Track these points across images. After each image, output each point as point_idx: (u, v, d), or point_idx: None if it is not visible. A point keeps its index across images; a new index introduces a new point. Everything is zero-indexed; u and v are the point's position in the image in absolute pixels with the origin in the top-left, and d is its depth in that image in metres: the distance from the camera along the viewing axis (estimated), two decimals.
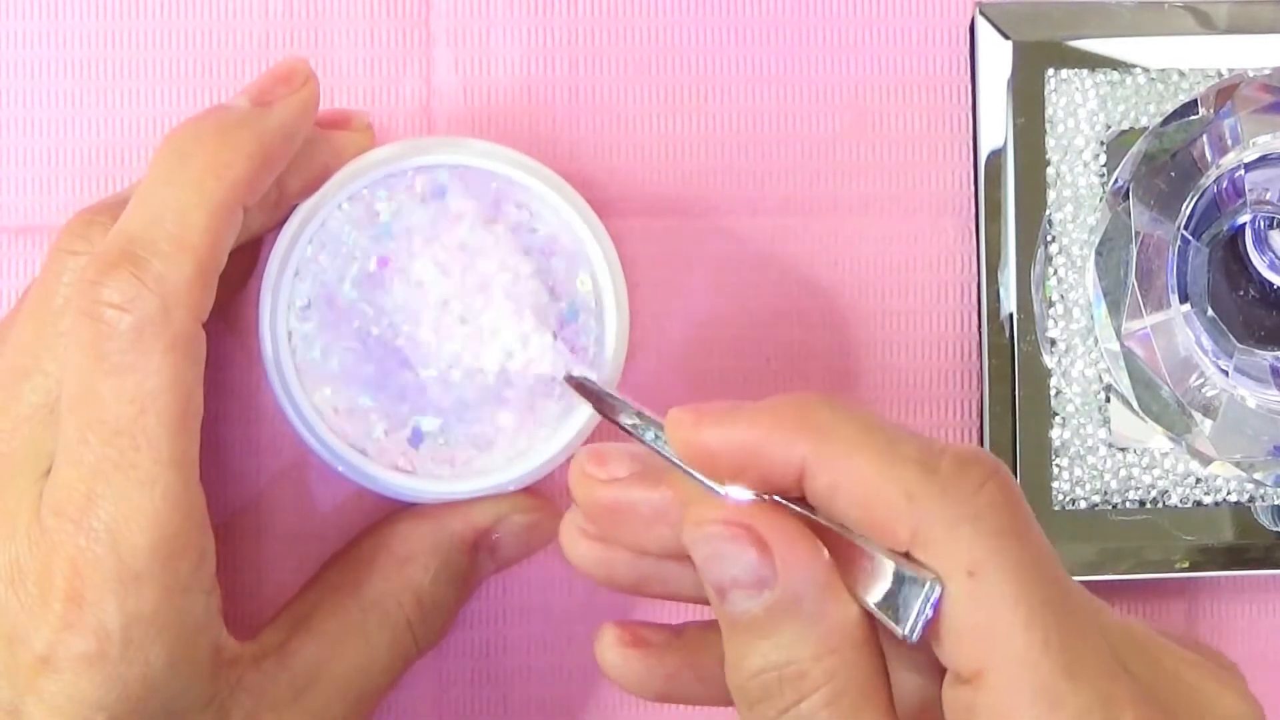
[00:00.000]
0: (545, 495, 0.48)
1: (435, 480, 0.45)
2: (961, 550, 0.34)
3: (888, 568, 0.35)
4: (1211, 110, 0.45)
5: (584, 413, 0.45)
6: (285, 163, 0.43)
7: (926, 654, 0.36)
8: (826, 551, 0.36)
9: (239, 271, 0.47)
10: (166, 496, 0.39)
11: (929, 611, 0.34)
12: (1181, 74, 0.49)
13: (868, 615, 0.35)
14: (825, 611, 0.35)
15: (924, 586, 0.34)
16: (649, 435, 0.39)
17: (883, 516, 0.35)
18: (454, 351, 0.45)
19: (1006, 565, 0.34)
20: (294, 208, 0.45)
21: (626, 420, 0.40)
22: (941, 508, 0.34)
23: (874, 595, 0.35)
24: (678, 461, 0.38)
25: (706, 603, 0.37)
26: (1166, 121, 0.46)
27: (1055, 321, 0.49)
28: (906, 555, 0.35)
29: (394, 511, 0.47)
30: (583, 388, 0.44)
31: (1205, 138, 0.45)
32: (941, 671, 0.35)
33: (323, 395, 0.45)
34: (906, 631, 0.34)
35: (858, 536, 0.35)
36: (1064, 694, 0.33)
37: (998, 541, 0.34)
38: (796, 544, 0.35)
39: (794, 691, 0.35)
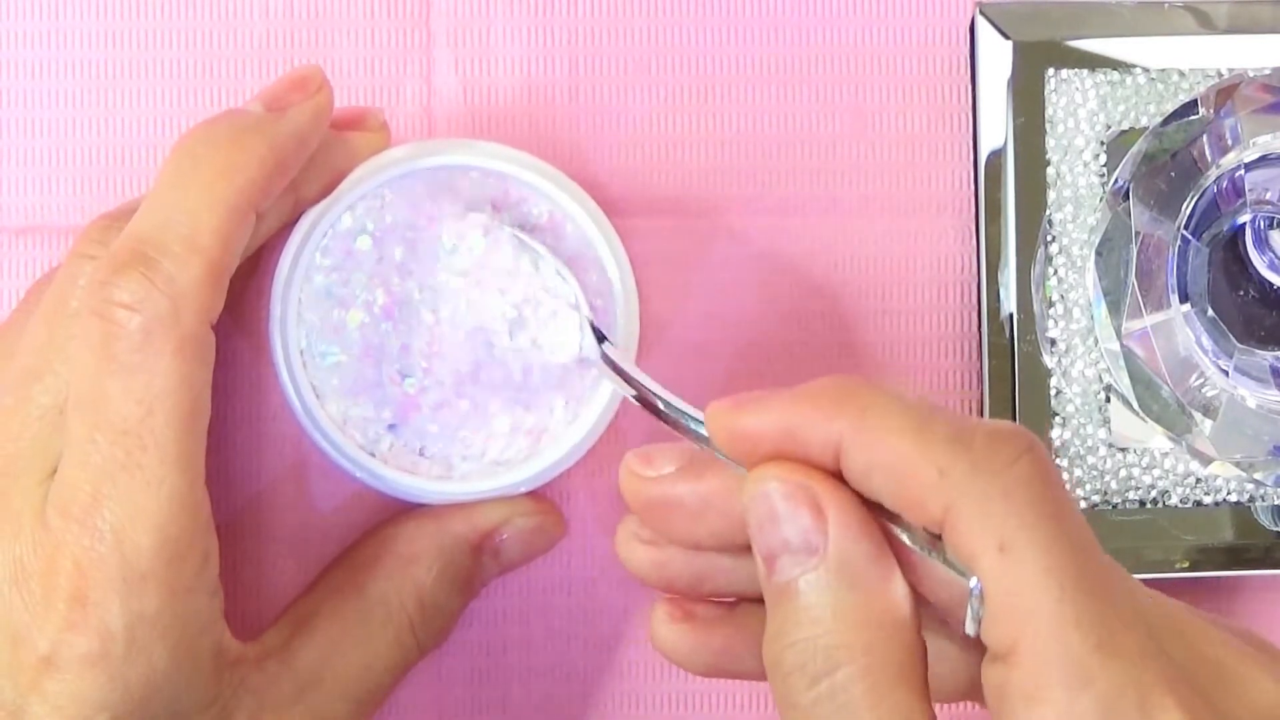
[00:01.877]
0: (550, 499, 0.48)
1: (440, 481, 0.45)
2: (992, 526, 0.34)
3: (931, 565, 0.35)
4: (1211, 110, 0.45)
5: (590, 417, 0.45)
6: (298, 168, 0.43)
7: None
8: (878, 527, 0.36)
9: (245, 273, 0.46)
10: (172, 497, 0.39)
11: (981, 611, 0.34)
12: (1181, 74, 0.49)
13: (912, 594, 0.35)
14: (872, 584, 0.35)
15: (969, 583, 0.34)
16: (689, 423, 0.40)
17: (916, 493, 0.34)
18: (466, 352, 0.45)
19: (1038, 541, 0.33)
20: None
21: (661, 406, 0.41)
22: (972, 483, 0.34)
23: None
24: (717, 449, 0.38)
25: (762, 600, 0.37)
26: (1166, 121, 0.46)
27: (1055, 321, 0.49)
28: (939, 537, 0.35)
29: (397, 512, 0.47)
30: (618, 369, 0.43)
31: (1205, 138, 0.45)
32: (982, 650, 0.35)
33: (332, 396, 0.45)
34: (966, 629, 0.34)
35: (901, 529, 0.36)
36: (1094, 671, 0.33)
37: (1029, 517, 0.34)
38: (850, 512, 0.35)
39: (828, 662, 0.35)
